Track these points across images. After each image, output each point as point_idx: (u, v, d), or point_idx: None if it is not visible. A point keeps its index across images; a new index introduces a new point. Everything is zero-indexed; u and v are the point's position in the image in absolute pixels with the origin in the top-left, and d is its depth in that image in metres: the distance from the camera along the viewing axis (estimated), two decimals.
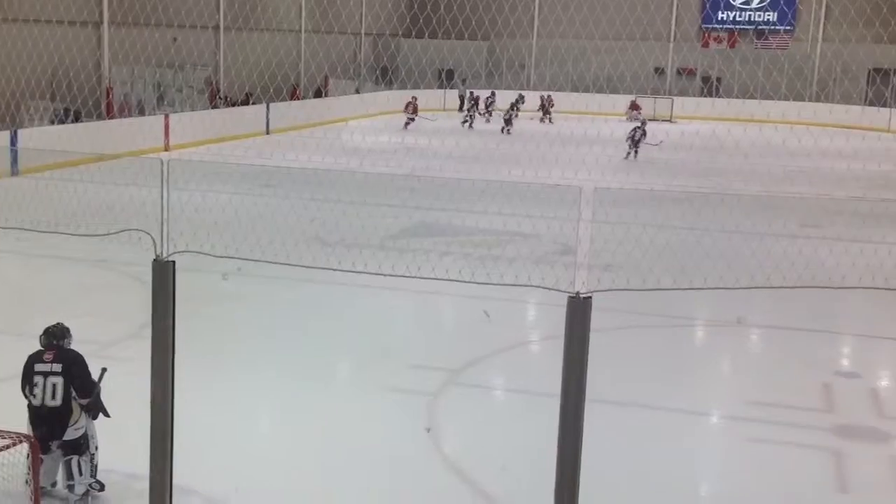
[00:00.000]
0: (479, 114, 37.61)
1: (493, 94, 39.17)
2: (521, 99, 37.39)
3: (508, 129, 33.97)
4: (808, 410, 8.97)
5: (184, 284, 5.72)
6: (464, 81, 42.67)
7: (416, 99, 35.76)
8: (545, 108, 38.63)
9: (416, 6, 41.98)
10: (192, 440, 6.30)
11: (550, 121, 37.59)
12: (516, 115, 35.38)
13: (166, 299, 5.54)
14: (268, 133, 31.42)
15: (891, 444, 8.33)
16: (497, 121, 35.71)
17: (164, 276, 5.54)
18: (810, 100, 40.31)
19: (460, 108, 39.39)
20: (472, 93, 39.06)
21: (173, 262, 5.56)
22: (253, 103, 32.53)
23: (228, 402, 8.67)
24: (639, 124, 29.21)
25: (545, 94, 39.44)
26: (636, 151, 28.09)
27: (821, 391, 9.48)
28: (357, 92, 40.66)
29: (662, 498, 7.20)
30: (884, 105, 36.65)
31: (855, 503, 7.24)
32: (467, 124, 35.77)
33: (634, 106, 40.39)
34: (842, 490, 7.47)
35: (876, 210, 18.05)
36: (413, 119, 34.70)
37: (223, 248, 8.32)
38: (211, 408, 8.37)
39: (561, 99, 38.67)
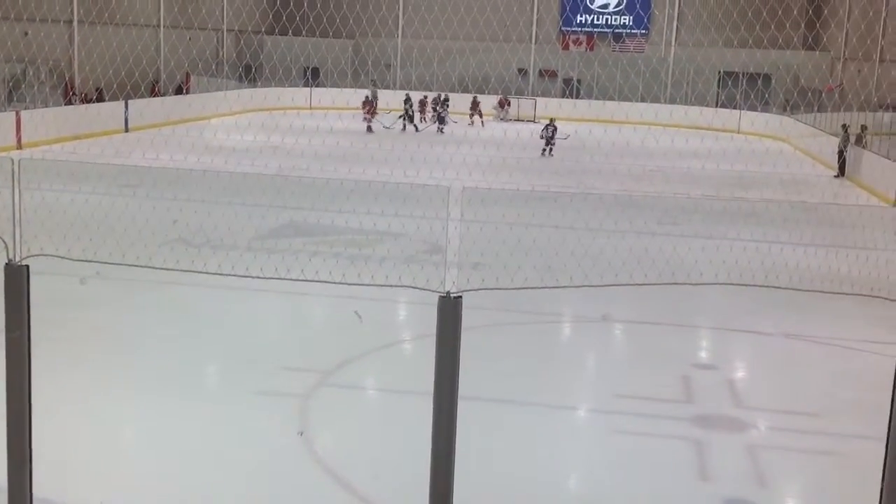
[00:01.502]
0: (441, 119, 36.19)
1: (439, 95, 37.58)
2: (446, 99, 37.08)
3: (442, 129, 34.21)
4: (670, 402, 9.28)
5: (39, 290, 5.46)
6: (373, 82, 41.88)
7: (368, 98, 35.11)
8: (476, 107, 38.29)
9: (278, 3, 41.43)
10: (54, 453, 6.02)
11: (482, 123, 37.67)
12: (445, 113, 35.51)
13: (20, 306, 5.28)
14: (126, 131, 30.41)
15: (747, 432, 8.71)
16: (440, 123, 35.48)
17: (17, 281, 5.27)
18: (666, 101, 41.83)
19: (371, 110, 38.03)
20: (374, 94, 38.15)
21: (27, 266, 5.30)
22: (108, 100, 31.42)
23: (91, 412, 8.33)
24: (547, 122, 29.83)
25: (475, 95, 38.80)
26: (551, 148, 28.67)
27: (681, 383, 9.83)
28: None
29: (534, 492, 7.31)
30: (734, 107, 38.36)
31: (716, 490, 7.52)
32: (411, 127, 34.88)
33: (502, 102, 40.85)
34: (703, 478, 7.76)
35: (730, 208, 18.85)
36: (372, 119, 34.01)
37: (80, 251, 7.98)
38: (72, 418, 8.03)
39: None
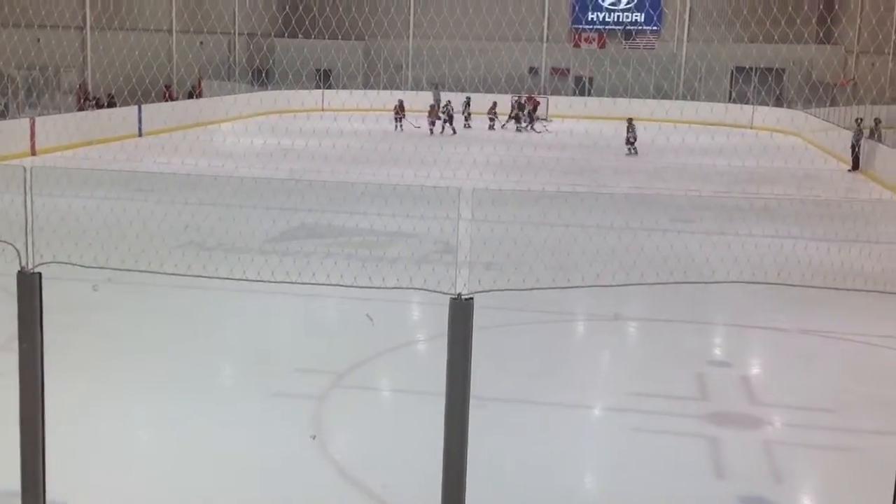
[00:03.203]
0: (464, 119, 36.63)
1: (468, 98, 37.50)
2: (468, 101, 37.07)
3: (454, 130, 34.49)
4: (684, 399, 9.25)
5: (52, 295, 5.49)
6: (436, 86, 41.75)
7: (401, 101, 35.36)
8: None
9: (288, 6, 41.48)
10: (68, 455, 6.04)
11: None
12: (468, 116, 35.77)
13: (33, 312, 5.31)
14: (140, 135, 30.54)
15: (762, 429, 8.67)
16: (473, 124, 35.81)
17: (29, 288, 5.30)
18: (677, 98, 41.68)
19: (434, 113, 36.20)
20: (437, 97, 37.97)
21: (39, 273, 5.33)
22: (121, 105, 31.52)
23: (104, 415, 8.36)
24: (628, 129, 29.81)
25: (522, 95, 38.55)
26: (635, 150, 28.99)
27: (695, 380, 9.79)
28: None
29: (549, 491, 7.30)
30: (746, 103, 38.21)
31: (731, 487, 7.49)
32: (448, 130, 34.92)
33: (532, 101, 40.42)
34: (718, 475, 7.73)
35: (742, 205, 18.79)
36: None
37: (93, 258, 8.03)
38: (86, 421, 8.07)
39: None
